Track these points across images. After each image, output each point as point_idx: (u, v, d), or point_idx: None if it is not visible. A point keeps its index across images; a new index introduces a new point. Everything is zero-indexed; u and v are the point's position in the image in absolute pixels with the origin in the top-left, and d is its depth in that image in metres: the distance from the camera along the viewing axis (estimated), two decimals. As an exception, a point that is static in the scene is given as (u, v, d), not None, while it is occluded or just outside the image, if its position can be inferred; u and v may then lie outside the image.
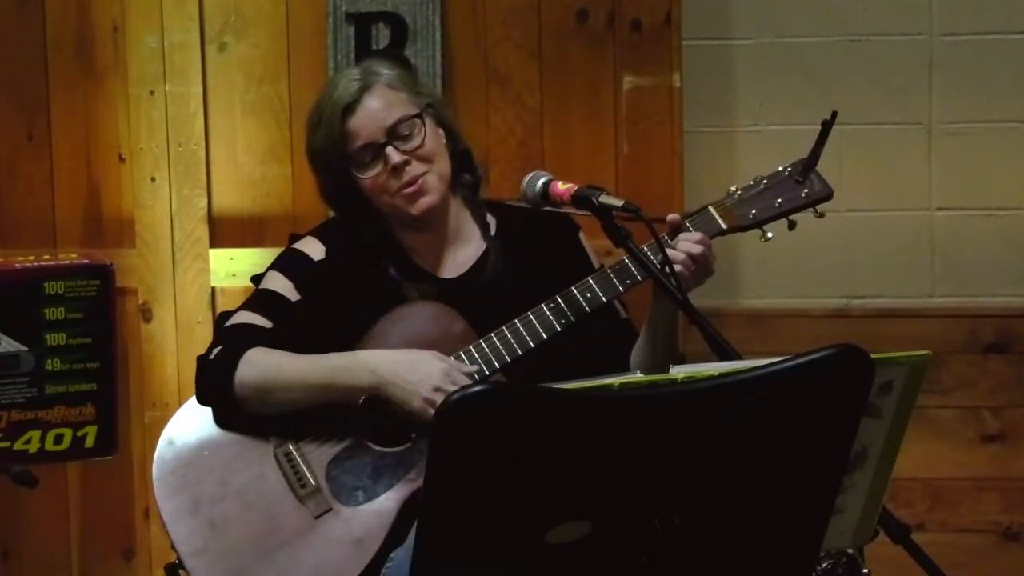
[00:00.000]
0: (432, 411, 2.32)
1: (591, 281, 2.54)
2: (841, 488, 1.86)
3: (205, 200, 3.63)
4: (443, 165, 2.60)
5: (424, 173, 2.57)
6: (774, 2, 3.76)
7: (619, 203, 2.36)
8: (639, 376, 1.71)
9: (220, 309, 3.63)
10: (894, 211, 3.72)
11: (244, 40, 3.63)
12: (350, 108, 2.56)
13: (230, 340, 2.55)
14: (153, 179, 3.63)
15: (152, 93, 3.61)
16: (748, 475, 1.73)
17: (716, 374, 1.69)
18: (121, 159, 3.66)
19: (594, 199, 2.39)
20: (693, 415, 1.68)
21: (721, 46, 3.77)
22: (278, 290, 2.61)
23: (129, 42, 3.61)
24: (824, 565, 2.40)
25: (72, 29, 3.64)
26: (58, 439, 2.14)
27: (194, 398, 2.59)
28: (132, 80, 3.62)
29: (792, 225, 2.60)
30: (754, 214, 2.58)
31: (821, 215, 2.61)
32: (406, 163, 2.55)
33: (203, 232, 3.64)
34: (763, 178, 2.61)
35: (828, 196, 2.61)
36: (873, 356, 1.73)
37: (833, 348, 1.69)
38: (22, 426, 2.11)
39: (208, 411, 2.56)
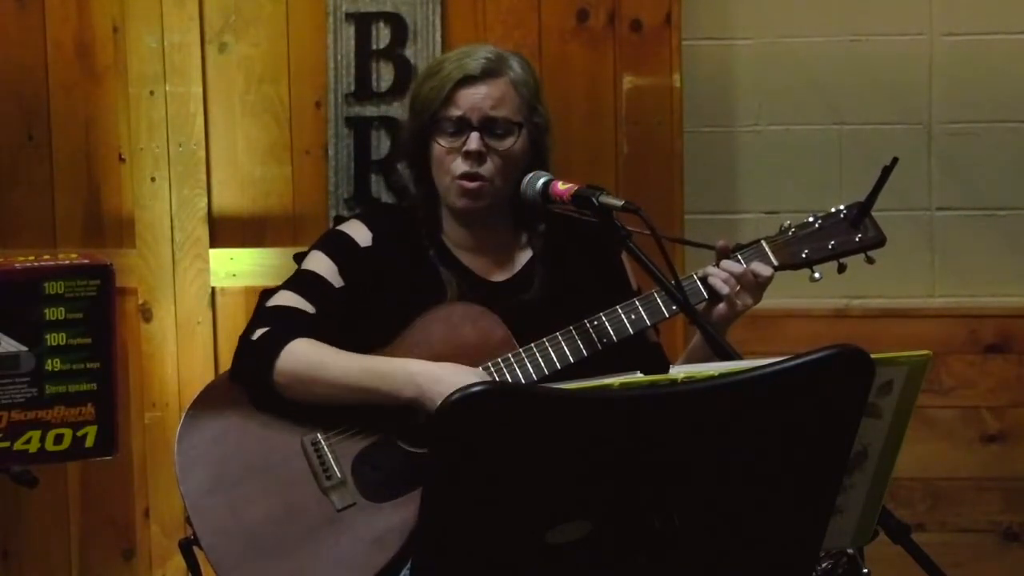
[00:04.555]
0: None
1: (637, 303, 2.53)
2: (841, 488, 1.86)
3: (205, 200, 3.63)
4: (510, 182, 2.56)
5: (490, 178, 2.54)
6: (774, 2, 3.75)
7: (619, 203, 2.36)
8: (639, 376, 1.71)
9: (220, 309, 3.63)
10: (894, 211, 3.72)
11: (244, 40, 3.63)
12: (467, 80, 2.53)
13: (274, 324, 2.53)
14: (153, 179, 3.63)
15: (152, 93, 3.61)
16: (748, 475, 1.73)
17: (716, 374, 1.69)
18: (121, 159, 3.65)
19: (594, 199, 2.39)
20: (693, 415, 1.68)
21: (721, 46, 3.77)
22: (322, 273, 2.58)
23: (129, 42, 3.61)
24: (824, 565, 2.40)
25: (72, 29, 3.64)
26: (58, 439, 2.14)
27: (213, 379, 2.59)
28: (132, 80, 3.62)
29: (842, 268, 2.58)
30: (807, 254, 2.56)
31: (871, 261, 2.58)
32: (480, 157, 2.53)
33: (203, 232, 3.63)
34: (818, 217, 2.58)
35: (881, 243, 2.59)
36: (873, 356, 1.73)
37: (833, 348, 1.69)
38: (22, 426, 2.11)
39: (235, 391, 2.53)
